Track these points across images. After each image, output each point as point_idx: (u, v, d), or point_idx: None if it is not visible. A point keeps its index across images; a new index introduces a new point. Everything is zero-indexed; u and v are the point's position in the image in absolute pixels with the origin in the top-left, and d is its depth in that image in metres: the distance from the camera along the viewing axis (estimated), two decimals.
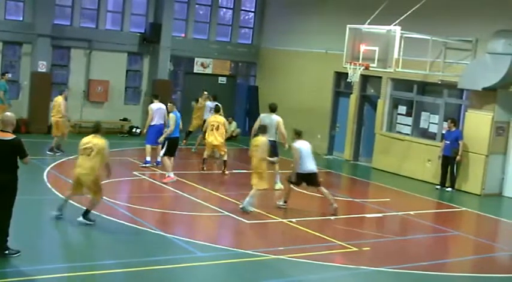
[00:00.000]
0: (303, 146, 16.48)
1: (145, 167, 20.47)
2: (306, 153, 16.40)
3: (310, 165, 16.44)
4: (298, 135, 16.68)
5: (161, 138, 19.23)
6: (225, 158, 20.76)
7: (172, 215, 15.73)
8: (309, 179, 16.60)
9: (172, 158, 18.96)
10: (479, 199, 20.65)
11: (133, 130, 27.79)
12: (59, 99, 21.90)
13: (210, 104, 24.04)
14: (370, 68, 19.90)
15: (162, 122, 20.42)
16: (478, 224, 18.41)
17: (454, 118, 21.58)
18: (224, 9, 30.93)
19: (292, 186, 16.71)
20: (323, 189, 16.62)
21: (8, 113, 11.80)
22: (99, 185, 13.72)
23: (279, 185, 18.94)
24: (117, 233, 13.80)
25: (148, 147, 20.65)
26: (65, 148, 21.98)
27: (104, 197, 16.06)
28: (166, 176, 18.79)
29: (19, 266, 10.95)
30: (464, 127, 21.42)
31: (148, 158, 20.69)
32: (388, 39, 19.31)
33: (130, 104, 28.13)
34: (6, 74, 24.79)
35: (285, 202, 16.72)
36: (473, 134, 20.98)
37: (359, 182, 22.09)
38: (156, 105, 20.67)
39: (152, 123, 20.52)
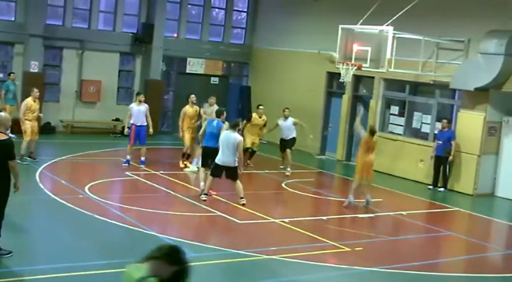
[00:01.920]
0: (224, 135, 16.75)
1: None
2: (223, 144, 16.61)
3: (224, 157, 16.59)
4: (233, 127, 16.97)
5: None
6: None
7: (164, 215, 15.71)
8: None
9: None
10: (471, 199, 20.69)
11: (125, 131, 27.71)
12: (25, 101, 20.42)
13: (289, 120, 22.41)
14: (363, 68, 19.92)
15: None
16: (471, 224, 18.44)
17: (448, 118, 21.65)
18: (216, 9, 30.91)
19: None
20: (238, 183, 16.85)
21: (2, 114, 11.76)
22: None
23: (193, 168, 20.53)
24: (110, 233, 13.80)
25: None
26: (52, 150, 21.97)
27: (96, 197, 16.11)
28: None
29: (11, 267, 10.93)
30: (457, 127, 21.45)
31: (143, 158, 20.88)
32: (381, 40, 19.33)
33: (123, 104, 28.01)
34: (12, 74, 24.78)
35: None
36: (466, 134, 21.02)
37: (351, 182, 22.08)
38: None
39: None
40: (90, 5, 27.50)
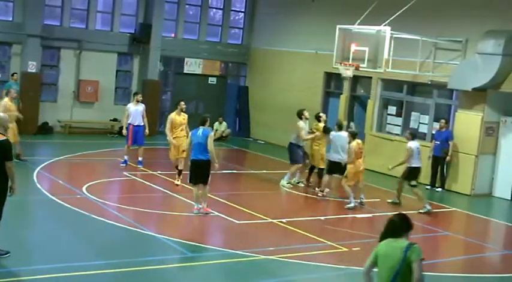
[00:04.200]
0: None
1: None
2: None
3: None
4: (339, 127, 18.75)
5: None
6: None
7: (162, 215, 15.71)
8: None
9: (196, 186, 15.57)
10: (469, 199, 20.70)
11: (123, 131, 27.68)
12: (2, 102, 19.26)
13: None
14: (360, 68, 19.93)
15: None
16: (468, 224, 18.45)
17: (446, 118, 21.67)
18: (214, 10, 30.91)
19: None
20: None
21: (1, 114, 11.75)
22: None
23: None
24: (108, 234, 13.79)
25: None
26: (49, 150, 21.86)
27: (94, 198, 16.11)
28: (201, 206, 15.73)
29: (9, 267, 10.93)
30: (454, 127, 21.46)
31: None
32: (378, 40, 19.33)
33: (121, 104, 27.98)
34: (15, 75, 24.81)
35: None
36: (463, 134, 21.03)
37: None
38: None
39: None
40: (88, 5, 27.51)
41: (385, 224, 7.67)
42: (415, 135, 18.58)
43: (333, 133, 18.62)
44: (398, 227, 7.66)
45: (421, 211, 17.71)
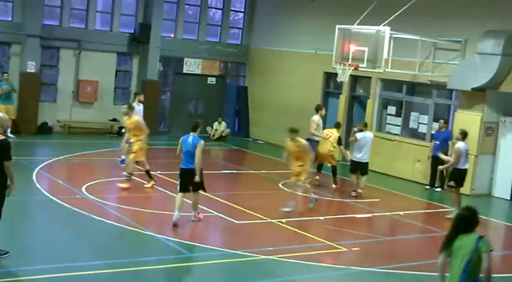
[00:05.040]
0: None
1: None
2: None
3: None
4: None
5: None
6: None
7: (162, 215, 15.69)
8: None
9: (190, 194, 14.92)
10: (468, 199, 20.63)
11: (123, 130, 27.70)
12: None
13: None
14: (360, 69, 19.93)
15: None
16: None
17: (445, 118, 21.67)
18: (213, 10, 30.90)
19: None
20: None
21: (0, 114, 11.76)
22: None
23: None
24: (107, 234, 13.80)
25: None
26: (49, 150, 21.82)
27: (94, 198, 16.10)
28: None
29: (8, 267, 10.93)
30: (454, 127, 21.45)
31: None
32: (378, 40, 19.32)
33: (120, 104, 27.97)
34: (5, 74, 24.79)
35: None
36: None
37: (348, 183, 22.03)
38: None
39: None
40: (87, 5, 27.49)
41: (455, 220, 8.04)
42: (466, 135, 17.58)
43: (360, 133, 19.23)
44: (473, 221, 7.94)
45: (449, 216, 16.96)
